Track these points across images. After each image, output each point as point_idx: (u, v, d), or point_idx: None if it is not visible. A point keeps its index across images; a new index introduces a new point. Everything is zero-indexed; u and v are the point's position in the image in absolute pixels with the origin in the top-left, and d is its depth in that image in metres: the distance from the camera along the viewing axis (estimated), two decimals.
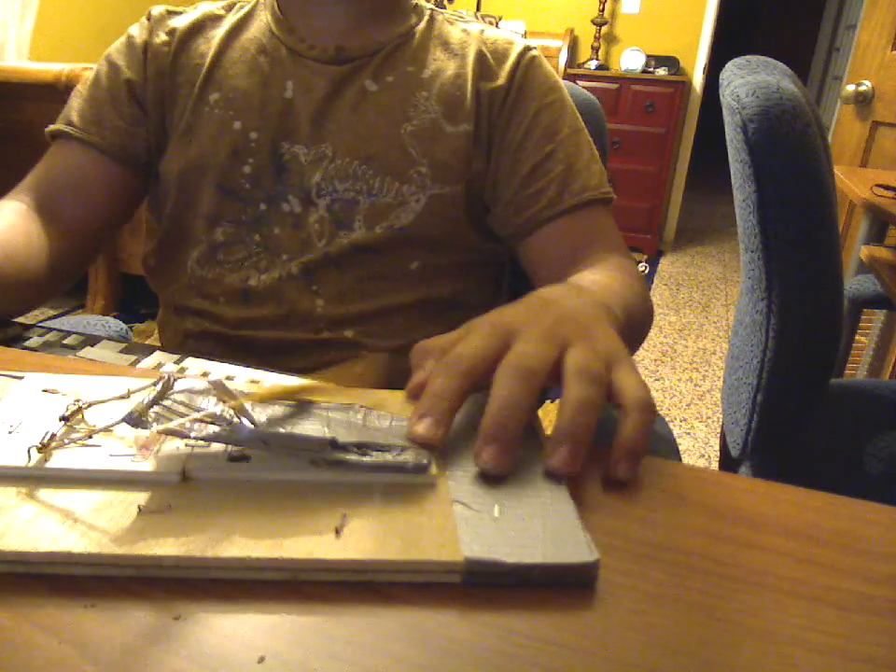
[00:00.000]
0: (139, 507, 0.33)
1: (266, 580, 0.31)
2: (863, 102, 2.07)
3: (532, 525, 0.33)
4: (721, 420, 1.52)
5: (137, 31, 0.75)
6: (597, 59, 4.05)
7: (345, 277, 0.71)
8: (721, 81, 0.87)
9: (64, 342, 0.53)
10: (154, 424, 0.33)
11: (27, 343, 0.52)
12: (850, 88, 2.09)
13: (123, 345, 0.53)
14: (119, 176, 0.73)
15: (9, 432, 0.37)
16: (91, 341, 0.54)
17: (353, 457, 0.35)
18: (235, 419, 0.34)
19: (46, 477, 0.34)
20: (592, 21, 4.00)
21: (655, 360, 2.66)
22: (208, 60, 0.71)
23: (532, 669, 0.27)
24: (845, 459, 0.96)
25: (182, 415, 0.34)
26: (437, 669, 0.27)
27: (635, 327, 0.62)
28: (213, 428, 0.34)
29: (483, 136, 0.73)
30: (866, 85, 2.05)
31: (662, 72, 3.93)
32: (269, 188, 0.70)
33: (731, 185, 0.90)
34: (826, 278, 0.83)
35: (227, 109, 0.70)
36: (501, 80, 0.73)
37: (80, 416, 0.39)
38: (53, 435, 0.37)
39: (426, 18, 0.77)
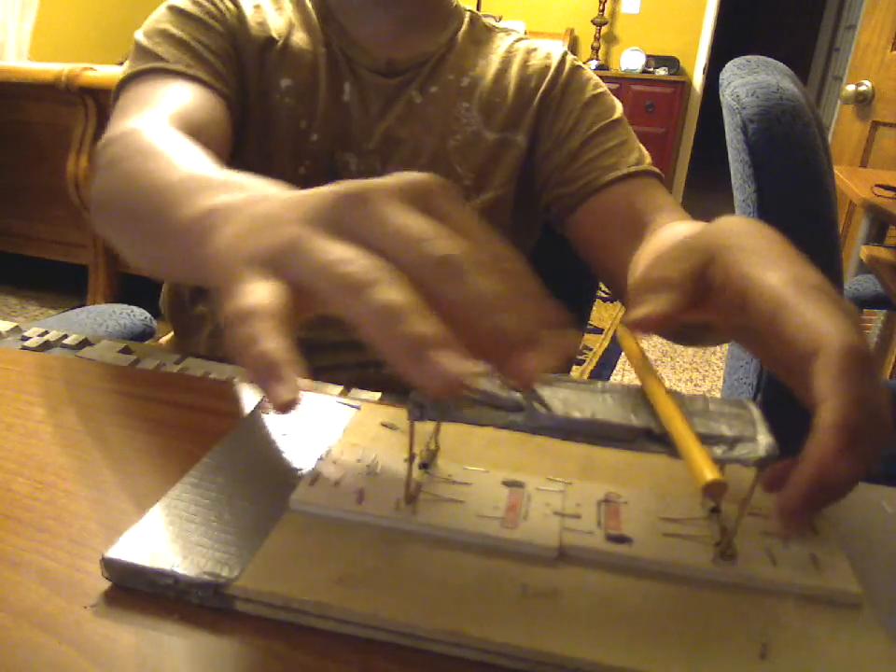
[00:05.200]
0: (523, 586, 0.28)
1: None
2: (863, 102, 2.07)
3: None
4: None
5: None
6: (597, 59, 4.06)
7: None
8: (720, 81, 0.87)
9: (64, 341, 0.53)
10: (434, 412, 0.30)
11: (27, 344, 0.52)
12: (850, 88, 2.09)
13: (123, 345, 0.53)
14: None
15: (366, 472, 0.34)
16: (91, 340, 0.54)
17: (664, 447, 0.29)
18: (526, 402, 0.30)
19: (413, 533, 0.31)
20: (592, 21, 4.00)
21: (655, 360, 2.66)
22: (280, 42, 0.69)
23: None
24: None
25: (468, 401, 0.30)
26: (438, 670, 0.27)
27: None
28: (507, 416, 0.29)
29: (529, 140, 0.73)
30: (866, 85, 2.05)
31: (662, 72, 3.93)
32: None
33: (731, 185, 0.90)
34: (826, 278, 0.83)
35: (295, 101, 0.69)
36: (544, 87, 0.74)
37: (436, 463, 0.36)
38: (419, 485, 0.33)
39: (466, 20, 0.77)
